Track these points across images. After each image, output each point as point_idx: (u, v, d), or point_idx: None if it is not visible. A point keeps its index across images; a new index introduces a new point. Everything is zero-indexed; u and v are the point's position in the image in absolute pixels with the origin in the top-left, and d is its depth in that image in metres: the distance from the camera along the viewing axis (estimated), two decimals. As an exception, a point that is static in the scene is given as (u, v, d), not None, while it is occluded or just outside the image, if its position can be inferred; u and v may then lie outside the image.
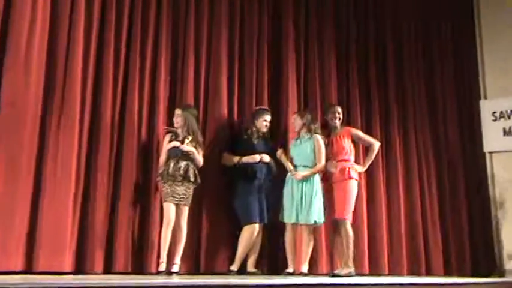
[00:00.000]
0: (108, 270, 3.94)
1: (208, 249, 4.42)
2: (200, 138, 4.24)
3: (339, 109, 4.77)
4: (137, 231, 4.12)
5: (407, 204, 5.71)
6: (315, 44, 5.52)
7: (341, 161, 4.54)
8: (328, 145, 4.61)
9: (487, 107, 6.48)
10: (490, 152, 6.40)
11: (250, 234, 4.27)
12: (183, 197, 4.03)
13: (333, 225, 4.56)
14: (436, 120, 6.24)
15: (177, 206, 4.03)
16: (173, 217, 3.99)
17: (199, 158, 4.19)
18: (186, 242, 4.22)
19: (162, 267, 3.93)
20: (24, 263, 3.58)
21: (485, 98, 6.56)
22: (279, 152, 4.55)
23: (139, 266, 4.07)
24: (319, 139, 4.51)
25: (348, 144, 4.61)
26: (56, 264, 3.64)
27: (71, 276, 3.62)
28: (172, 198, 4.00)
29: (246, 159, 4.40)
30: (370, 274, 5.09)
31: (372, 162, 4.91)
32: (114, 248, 3.99)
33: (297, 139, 4.62)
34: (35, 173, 3.71)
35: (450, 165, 6.15)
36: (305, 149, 4.48)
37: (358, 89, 5.73)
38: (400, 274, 5.34)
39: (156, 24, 4.54)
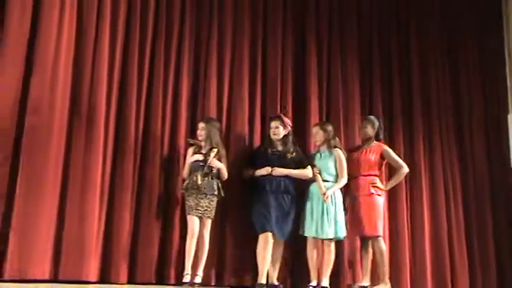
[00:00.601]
0: (132, 280, 4.01)
1: (232, 262, 4.45)
2: (223, 151, 4.29)
3: (364, 123, 4.73)
4: (160, 243, 4.18)
5: (432, 221, 5.57)
6: (338, 56, 5.51)
7: (366, 175, 4.51)
8: (355, 157, 4.60)
9: (515, 122, 6.32)
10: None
11: (264, 243, 4.16)
12: (206, 210, 4.07)
13: (361, 241, 4.54)
14: (462, 135, 6.09)
15: (201, 218, 4.07)
16: (197, 229, 4.03)
17: (225, 171, 4.24)
18: (211, 255, 4.27)
19: (187, 278, 3.97)
20: (50, 271, 3.69)
21: (514, 112, 6.41)
22: (315, 170, 4.40)
23: (162, 277, 4.13)
24: (341, 153, 4.48)
25: (375, 159, 4.55)
26: (81, 273, 3.75)
27: (96, 285, 3.70)
28: (196, 211, 4.04)
29: (257, 172, 4.35)
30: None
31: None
32: (138, 259, 4.08)
33: (317, 153, 4.57)
34: (61, 183, 3.83)
35: (476, 181, 5.99)
36: (326, 163, 4.45)
37: (382, 101, 5.66)
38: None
39: (178, 39, 4.62)
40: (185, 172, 4.21)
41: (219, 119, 4.65)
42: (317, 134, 4.56)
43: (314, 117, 5.12)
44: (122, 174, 4.12)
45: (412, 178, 5.59)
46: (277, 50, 5.16)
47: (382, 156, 4.62)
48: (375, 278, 4.61)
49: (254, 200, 4.36)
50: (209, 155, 4.13)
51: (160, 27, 4.55)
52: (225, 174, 4.25)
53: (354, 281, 4.83)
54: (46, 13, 3.94)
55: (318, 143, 4.58)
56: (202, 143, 4.26)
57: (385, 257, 4.39)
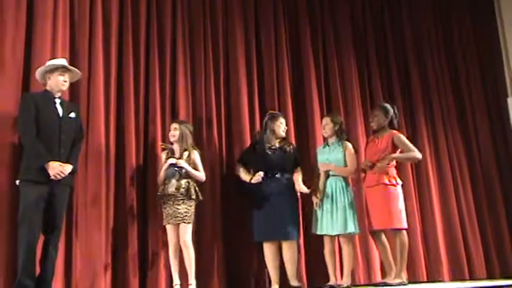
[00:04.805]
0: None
1: (245, 268, 4.39)
2: (197, 154, 4.11)
3: (376, 111, 4.57)
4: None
5: (442, 207, 5.54)
6: (333, 46, 5.48)
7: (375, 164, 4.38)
8: (368, 148, 4.53)
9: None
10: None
11: (268, 252, 4.14)
12: (186, 216, 3.90)
13: (371, 234, 4.43)
14: (465, 121, 6.06)
15: (179, 225, 3.91)
16: (176, 238, 3.91)
17: (199, 174, 4.08)
18: (217, 262, 4.22)
19: None
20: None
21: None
22: (323, 167, 4.28)
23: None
24: (350, 146, 4.36)
25: (387, 148, 4.35)
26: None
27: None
28: (175, 218, 3.89)
29: (254, 179, 4.19)
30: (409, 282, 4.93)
31: (402, 168, 4.77)
32: (148, 273, 4.02)
33: (324, 146, 4.46)
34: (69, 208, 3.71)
35: (483, 164, 5.96)
36: (336, 156, 4.32)
37: (381, 90, 5.63)
38: (440, 280, 5.17)
39: (172, 41, 4.59)
40: (160, 178, 4.03)
41: (218, 122, 4.58)
42: (326, 125, 4.42)
43: (316, 110, 5.08)
44: (125, 188, 4.05)
45: (418, 169, 5.56)
46: (271, 44, 5.11)
47: (394, 145, 4.41)
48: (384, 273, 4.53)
49: (252, 205, 4.25)
50: (182, 158, 4.00)
51: (152, 28, 4.51)
52: (201, 177, 4.08)
53: (370, 278, 4.77)
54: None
55: (326, 135, 4.45)
56: (175, 146, 4.11)
57: (406, 251, 4.28)
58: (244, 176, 4.31)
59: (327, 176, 4.28)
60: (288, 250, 4.17)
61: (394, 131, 4.48)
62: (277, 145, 4.32)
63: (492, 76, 6.40)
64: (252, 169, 4.30)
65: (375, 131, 4.57)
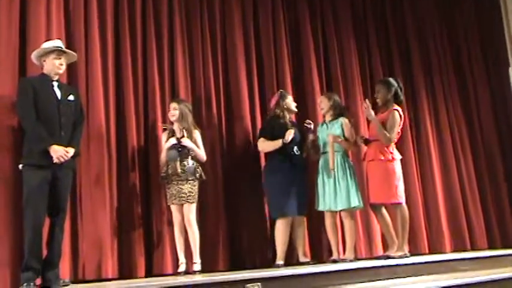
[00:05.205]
0: (149, 274, 4.00)
1: (248, 245, 4.44)
2: (198, 133, 4.13)
3: (377, 87, 4.52)
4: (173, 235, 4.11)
5: (443, 178, 5.57)
6: (332, 26, 5.42)
7: (375, 140, 4.37)
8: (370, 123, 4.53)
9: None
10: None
11: (283, 227, 4.19)
12: (190, 195, 3.93)
13: (372, 208, 4.45)
14: (466, 93, 6.04)
15: (183, 205, 3.95)
16: (181, 218, 3.94)
17: (201, 153, 4.10)
18: (225, 239, 4.28)
19: (182, 268, 3.90)
20: (71, 273, 3.68)
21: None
22: (331, 138, 4.29)
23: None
24: (346, 120, 4.41)
25: (385, 123, 4.29)
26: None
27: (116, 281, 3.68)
28: (179, 198, 3.92)
29: (286, 137, 4.19)
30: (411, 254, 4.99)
31: (403, 141, 4.77)
32: (153, 252, 4.07)
33: (323, 124, 4.50)
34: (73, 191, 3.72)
35: (485, 136, 5.96)
36: (334, 132, 4.35)
37: (381, 67, 5.59)
38: (442, 252, 5.23)
39: (169, 21, 4.56)
40: (162, 159, 4.04)
41: (218, 104, 4.59)
42: (321, 103, 4.53)
43: (316, 89, 5.06)
44: (128, 170, 4.08)
45: (419, 141, 5.57)
46: (269, 21, 5.06)
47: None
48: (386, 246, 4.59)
49: (269, 179, 4.30)
50: (183, 137, 4.01)
51: (148, 9, 4.46)
52: (202, 156, 4.11)
53: (372, 252, 4.85)
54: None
55: (323, 112, 4.51)
56: (175, 126, 4.10)
57: (407, 224, 4.31)
58: (271, 143, 4.29)
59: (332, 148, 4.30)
60: (301, 225, 4.32)
61: (396, 107, 4.40)
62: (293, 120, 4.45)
63: (494, 49, 6.32)
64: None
65: (381, 107, 4.50)
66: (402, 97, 4.52)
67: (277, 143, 4.24)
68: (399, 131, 4.39)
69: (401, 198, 4.34)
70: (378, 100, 4.52)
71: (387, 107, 4.43)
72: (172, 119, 4.10)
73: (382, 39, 5.74)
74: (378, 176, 4.30)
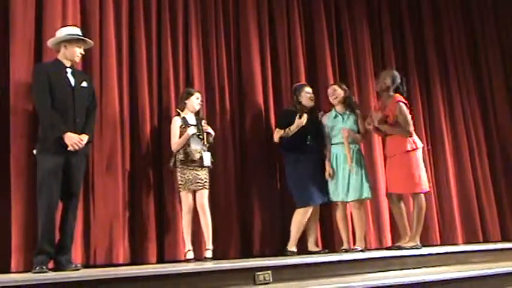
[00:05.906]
0: (161, 260, 4.03)
1: (259, 233, 4.45)
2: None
3: (382, 75, 4.46)
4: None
5: (457, 171, 5.52)
6: (346, 16, 5.38)
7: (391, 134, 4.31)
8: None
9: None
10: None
11: (303, 215, 4.21)
12: (206, 181, 3.99)
13: (389, 197, 4.41)
14: (481, 84, 5.96)
15: (196, 192, 3.97)
16: (192, 204, 3.96)
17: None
18: (236, 227, 4.31)
19: (190, 255, 3.92)
20: (83, 257, 3.71)
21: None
22: (346, 132, 4.29)
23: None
24: (360, 115, 4.42)
25: (392, 113, 4.24)
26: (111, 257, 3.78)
27: (128, 267, 3.69)
28: (196, 184, 3.95)
29: (298, 122, 4.24)
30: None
31: (417, 133, 4.69)
32: (165, 238, 4.09)
33: (336, 115, 4.41)
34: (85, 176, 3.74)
35: (499, 127, 5.89)
36: (350, 125, 4.34)
37: (395, 56, 5.54)
38: (454, 243, 5.19)
39: (184, 7, 4.55)
40: (177, 145, 4.01)
41: (230, 85, 4.62)
42: (335, 91, 4.44)
43: (330, 77, 5.03)
44: (141, 157, 4.10)
45: (432, 130, 5.53)
46: (283, 15, 5.04)
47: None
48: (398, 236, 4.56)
49: (289, 172, 4.33)
50: (201, 125, 4.06)
51: (163, 3, 4.45)
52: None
53: (382, 243, 4.84)
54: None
55: (336, 101, 4.43)
56: (189, 115, 4.11)
57: (423, 215, 4.27)
58: (286, 131, 4.32)
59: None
60: (316, 214, 4.37)
61: (399, 98, 4.29)
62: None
63: (510, 40, 6.22)
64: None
65: (379, 93, 4.51)
66: (402, 90, 4.42)
67: (289, 131, 4.27)
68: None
69: (425, 187, 4.29)
70: (377, 85, 4.49)
71: (387, 95, 4.35)
72: (198, 108, 4.15)
73: (397, 32, 5.68)
74: (401, 167, 4.22)
